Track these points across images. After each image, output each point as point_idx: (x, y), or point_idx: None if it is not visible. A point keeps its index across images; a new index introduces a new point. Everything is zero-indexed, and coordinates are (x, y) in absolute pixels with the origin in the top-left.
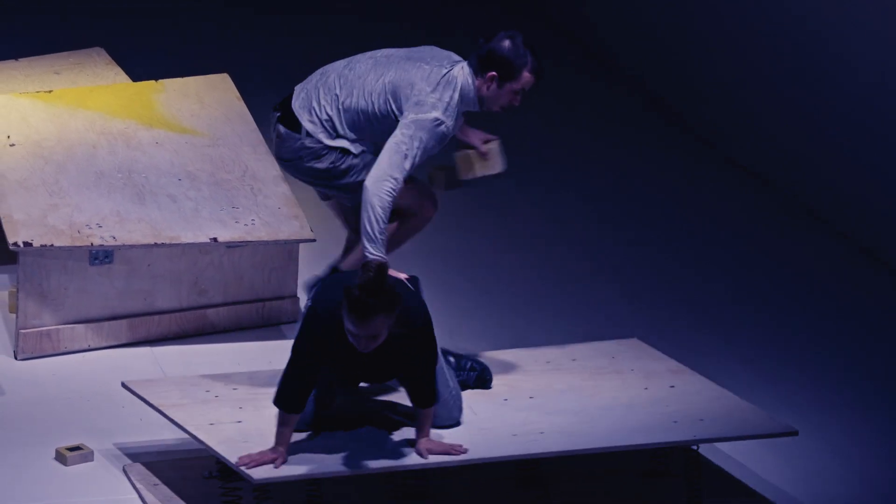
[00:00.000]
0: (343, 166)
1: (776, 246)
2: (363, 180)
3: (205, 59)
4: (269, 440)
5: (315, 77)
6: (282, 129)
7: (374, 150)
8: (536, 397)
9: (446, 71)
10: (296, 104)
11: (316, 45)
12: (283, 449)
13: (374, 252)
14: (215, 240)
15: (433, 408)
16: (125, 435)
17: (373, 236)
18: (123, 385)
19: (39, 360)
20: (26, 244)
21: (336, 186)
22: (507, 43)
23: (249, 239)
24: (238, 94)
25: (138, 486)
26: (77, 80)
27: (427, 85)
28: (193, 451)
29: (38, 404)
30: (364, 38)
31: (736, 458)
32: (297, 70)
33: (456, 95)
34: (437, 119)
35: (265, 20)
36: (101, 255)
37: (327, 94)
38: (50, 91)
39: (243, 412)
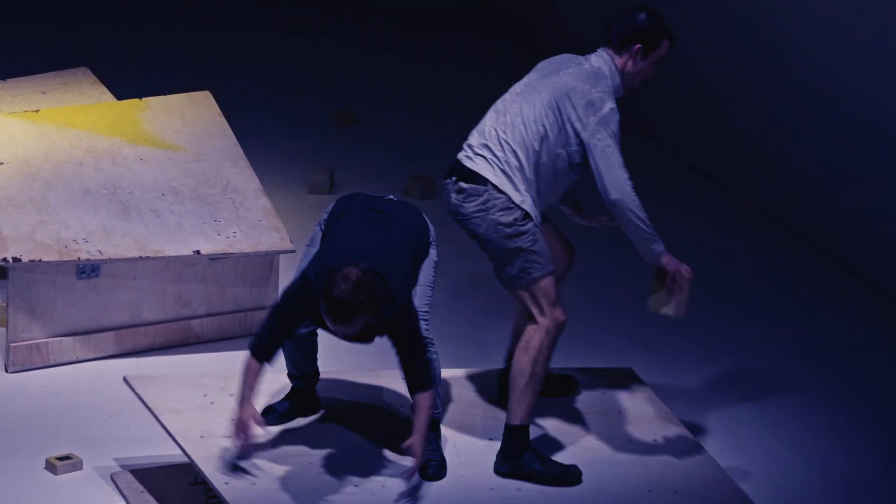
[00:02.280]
0: (524, 228)
1: (731, 246)
2: (527, 264)
3: (187, 78)
4: (253, 463)
5: (475, 138)
6: (464, 185)
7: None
8: None
9: (588, 65)
10: (473, 164)
11: (296, 66)
12: (251, 406)
13: (660, 248)
14: (198, 252)
15: (430, 396)
16: (113, 444)
17: (651, 235)
18: (125, 380)
19: (29, 373)
20: (15, 259)
21: (508, 249)
22: (643, 16)
23: (231, 251)
24: (219, 111)
25: (126, 493)
26: (63, 99)
27: (585, 83)
28: (179, 457)
29: (29, 415)
30: (348, 65)
31: None
32: (276, 88)
33: (609, 81)
34: (613, 108)
35: (246, 40)
36: (88, 269)
37: (498, 143)
38: (37, 110)
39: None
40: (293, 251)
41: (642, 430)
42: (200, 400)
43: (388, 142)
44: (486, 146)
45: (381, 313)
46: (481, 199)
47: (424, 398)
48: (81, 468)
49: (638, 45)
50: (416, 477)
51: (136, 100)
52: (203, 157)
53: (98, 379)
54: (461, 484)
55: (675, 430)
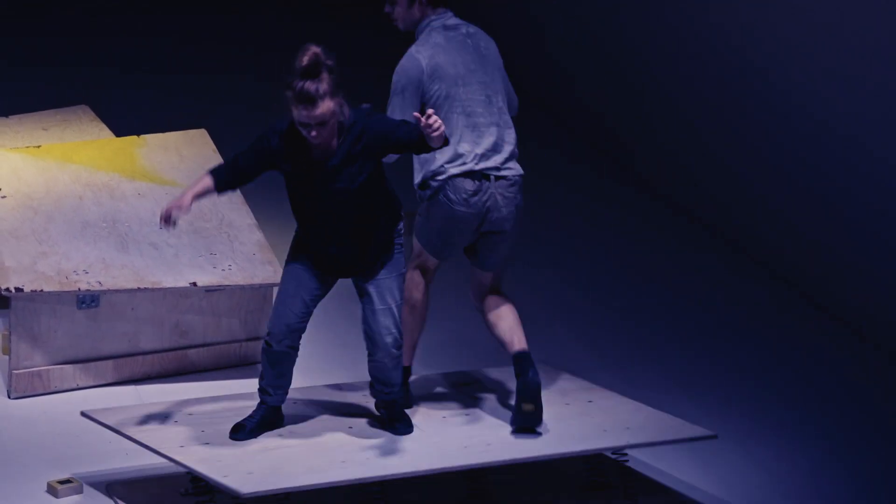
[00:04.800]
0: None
1: (683, 269)
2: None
3: (183, 116)
4: (240, 457)
5: (483, 139)
6: (517, 176)
7: None
8: (471, 415)
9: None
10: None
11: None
12: (188, 198)
13: None
14: (195, 284)
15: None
16: (112, 468)
17: None
18: (83, 414)
19: (31, 399)
20: (18, 290)
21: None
22: None
23: (226, 283)
24: (215, 148)
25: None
26: (64, 135)
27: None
28: (165, 470)
29: (30, 440)
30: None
31: (660, 466)
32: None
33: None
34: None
35: (241, 82)
36: (88, 300)
37: (507, 125)
38: (39, 146)
39: (206, 434)
40: None
41: (573, 397)
42: (163, 419)
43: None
44: (503, 135)
45: (340, 93)
46: (519, 187)
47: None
48: (81, 492)
49: None
50: (395, 443)
51: (135, 137)
52: None
53: (97, 406)
54: (435, 449)
55: (602, 393)
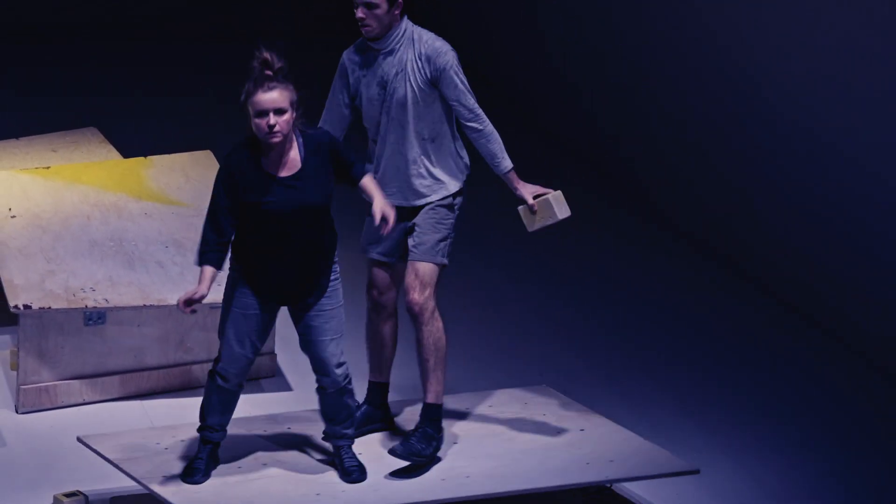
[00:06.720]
0: None
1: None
2: None
3: (189, 138)
4: (219, 489)
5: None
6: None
7: None
8: (459, 442)
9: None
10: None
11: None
12: (204, 288)
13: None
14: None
15: (371, 177)
16: (117, 481)
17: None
18: (79, 440)
19: (38, 414)
20: (26, 307)
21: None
22: None
23: None
24: None
25: None
26: (72, 157)
27: None
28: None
29: (38, 454)
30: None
31: (643, 494)
32: None
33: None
34: None
35: (244, 104)
36: (95, 317)
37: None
38: (48, 167)
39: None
40: None
41: (568, 424)
42: (154, 447)
43: None
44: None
45: (293, 88)
46: None
47: (369, 178)
48: None
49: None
50: (373, 475)
51: (142, 158)
52: (204, 211)
53: (103, 420)
54: (415, 479)
55: (597, 420)
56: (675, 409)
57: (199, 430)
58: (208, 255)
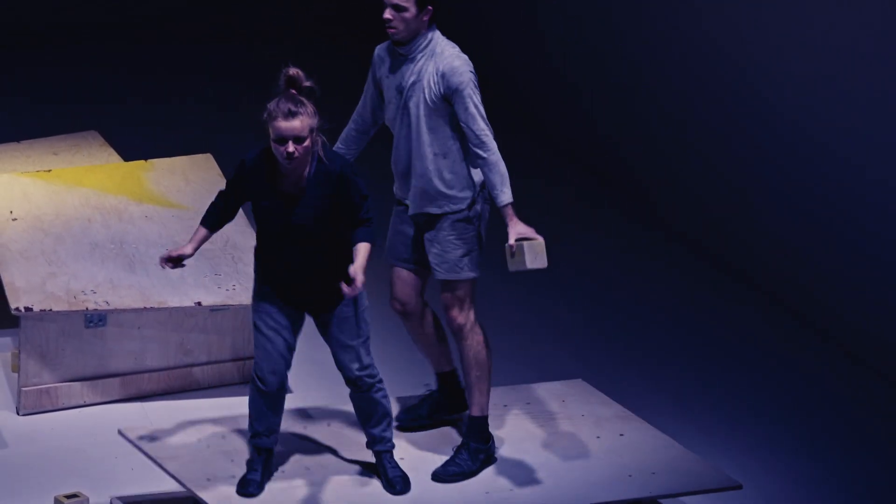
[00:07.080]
0: None
1: (705, 305)
2: None
3: (190, 141)
4: (267, 499)
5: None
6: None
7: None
8: (499, 446)
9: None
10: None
11: None
12: (190, 247)
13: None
14: (200, 304)
15: (368, 247)
16: (118, 483)
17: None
18: (120, 433)
19: (39, 416)
20: (27, 309)
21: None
22: None
23: (231, 303)
24: (220, 172)
25: None
26: (73, 160)
27: None
28: (172, 487)
29: (39, 456)
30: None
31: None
32: None
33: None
34: None
35: (245, 107)
36: (96, 319)
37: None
38: (49, 170)
39: (235, 466)
40: None
41: (607, 428)
42: (196, 444)
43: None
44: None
45: (317, 118)
46: None
47: (364, 246)
48: None
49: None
50: (415, 486)
51: (142, 161)
52: None
53: (104, 422)
54: (457, 492)
55: (636, 424)
56: (675, 408)
57: (249, 440)
58: (208, 218)
